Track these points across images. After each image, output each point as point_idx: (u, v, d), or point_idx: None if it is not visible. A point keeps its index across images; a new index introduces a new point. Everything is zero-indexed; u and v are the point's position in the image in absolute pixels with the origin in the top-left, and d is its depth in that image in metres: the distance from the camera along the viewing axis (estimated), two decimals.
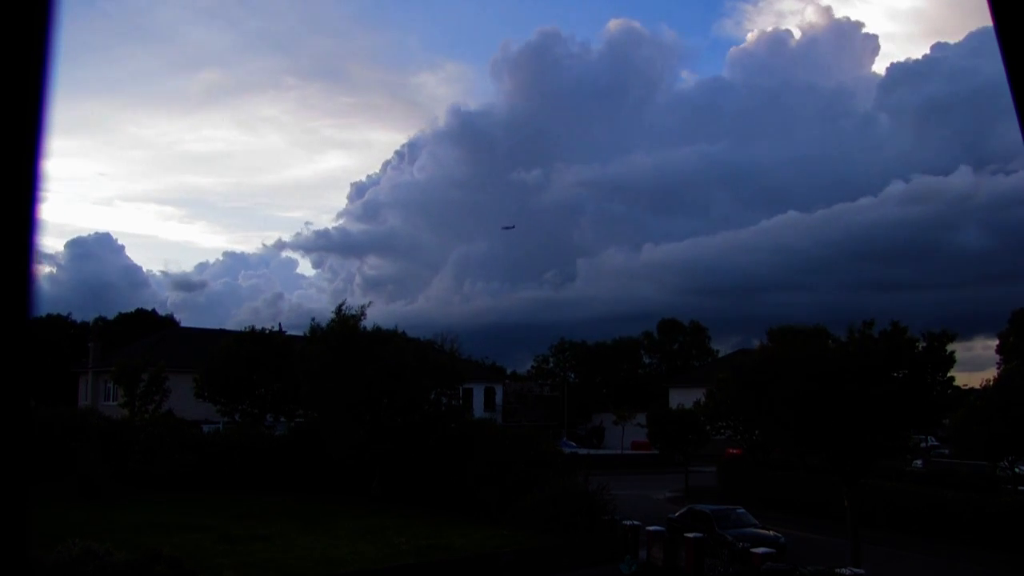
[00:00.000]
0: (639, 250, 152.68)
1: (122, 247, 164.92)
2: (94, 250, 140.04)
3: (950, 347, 32.53)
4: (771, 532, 31.50)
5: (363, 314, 42.44)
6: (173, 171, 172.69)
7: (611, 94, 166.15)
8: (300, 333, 49.41)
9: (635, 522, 30.97)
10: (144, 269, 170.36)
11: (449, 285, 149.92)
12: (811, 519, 39.44)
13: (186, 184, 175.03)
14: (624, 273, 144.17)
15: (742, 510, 34.43)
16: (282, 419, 49.14)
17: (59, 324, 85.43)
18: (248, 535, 29.70)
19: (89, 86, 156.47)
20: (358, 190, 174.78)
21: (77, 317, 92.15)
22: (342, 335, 41.24)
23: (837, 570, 24.26)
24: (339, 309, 42.47)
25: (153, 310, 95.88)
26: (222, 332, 61.50)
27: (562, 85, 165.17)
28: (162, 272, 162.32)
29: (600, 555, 29.78)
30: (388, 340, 41.80)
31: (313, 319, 44.97)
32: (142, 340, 70.14)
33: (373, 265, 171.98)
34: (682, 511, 35.01)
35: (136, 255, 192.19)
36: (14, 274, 1.25)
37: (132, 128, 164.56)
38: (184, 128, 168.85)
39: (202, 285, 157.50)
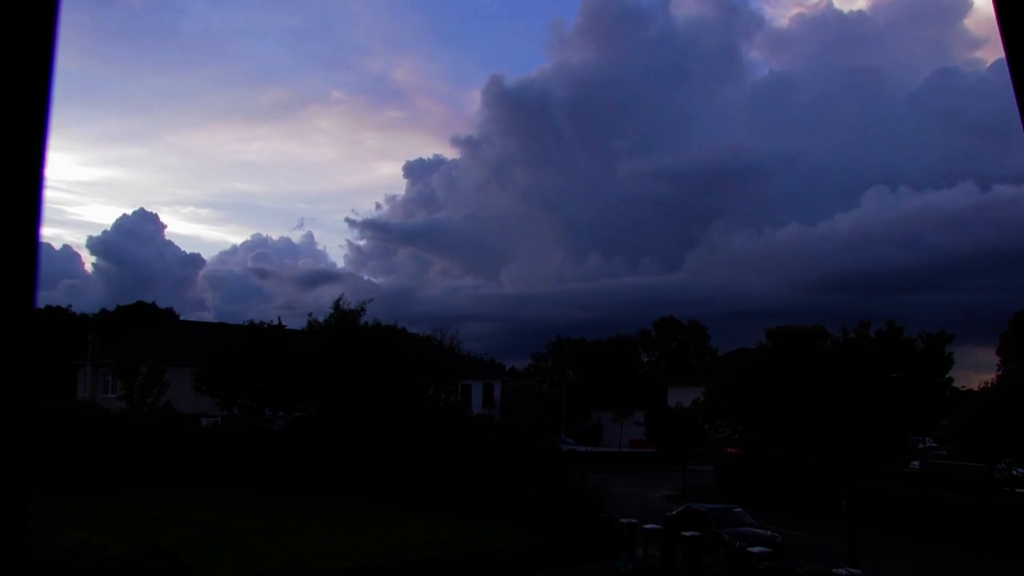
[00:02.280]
0: (758, 235, 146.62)
1: (168, 240, 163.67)
2: (141, 230, 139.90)
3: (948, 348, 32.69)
4: (768, 532, 31.50)
5: (363, 309, 42.56)
6: (221, 178, 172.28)
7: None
8: (299, 327, 49.44)
9: (632, 520, 30.94)
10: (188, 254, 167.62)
11: (537, 270, 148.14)
12: (809, 519, 39.45)
13: (234, 190, 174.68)
14: (736, 262, 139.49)
15: (739, 509, 34.36)
16: (280, 413, 49.09)
17: (58, 316, 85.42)
18: (245, 529, 29.71)
19: (141, 99, 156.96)
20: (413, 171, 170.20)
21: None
22: (340, 330, 41.29)
23: (834, 570, 24.29)
24: (337, 304, 42.56)
25: (153, 302, 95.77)
26: (221, 326, 61.51)
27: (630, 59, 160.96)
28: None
29: (597, 553, 29.80)
30: (387, 335, 41.82)
31: (310, 314, 45.05)
32: (141, 333, 70.13)
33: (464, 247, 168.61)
34: (679, 510, 34.95)
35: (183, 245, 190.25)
36: (15, 267, 1.25)
37: (183, 138, 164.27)
38: (235, 139, 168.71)
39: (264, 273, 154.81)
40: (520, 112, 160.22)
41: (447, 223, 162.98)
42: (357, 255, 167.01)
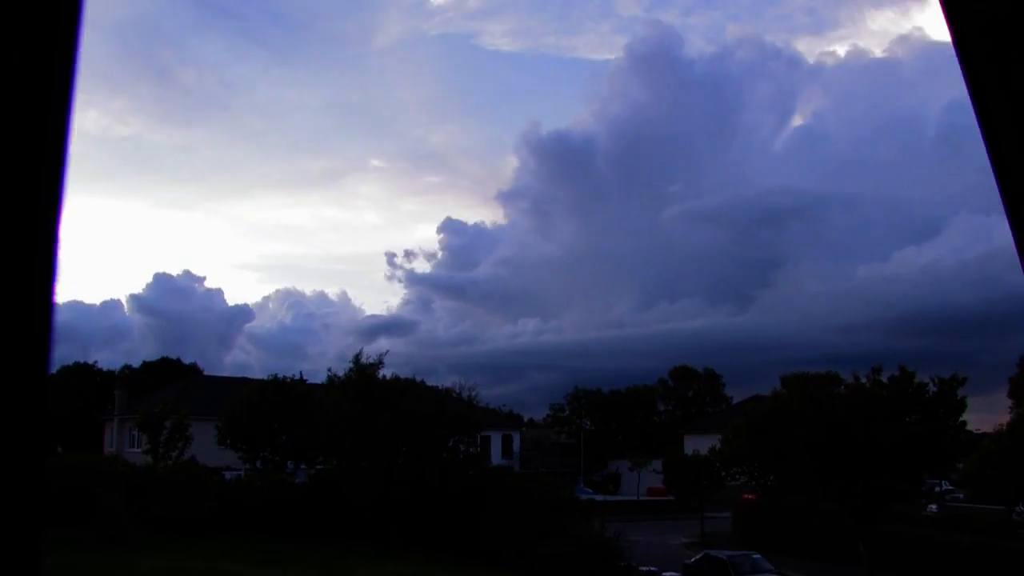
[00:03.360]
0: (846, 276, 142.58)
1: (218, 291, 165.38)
2: (183, 287, 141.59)
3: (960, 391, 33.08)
4: None
5: (381, 363, 43.20)
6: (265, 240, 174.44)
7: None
8: (319, 382, 50.11)
9: (652, 568, 31.21)
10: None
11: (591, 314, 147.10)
12: (827, 564, 39.18)
13: (279, 251, 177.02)
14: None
15: (758, 556, 34.33)
16: (303, 466, 49.46)
17: (85, 372, 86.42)
18: None
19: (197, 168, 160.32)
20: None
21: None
22: (360, 384, 41.88)
23: None
24: (357, 358, 43.19)
25: (178, 358, 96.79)
26: (244, 380, 62.19)
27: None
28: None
29: None
30: (406, 389, 42.42)
31: (329, 369, 45.73)
32: (167, 388, 70.98)
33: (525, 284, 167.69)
34: (698, 557, 35.05)
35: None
36: (32, 328, 1.22)
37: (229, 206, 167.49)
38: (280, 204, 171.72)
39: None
40: (558, 160, 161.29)
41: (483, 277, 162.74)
42: (405, 308, 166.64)
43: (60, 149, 1.23)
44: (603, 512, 41.95)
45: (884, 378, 33.15)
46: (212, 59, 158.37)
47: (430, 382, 48.81)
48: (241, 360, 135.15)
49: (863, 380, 32.77)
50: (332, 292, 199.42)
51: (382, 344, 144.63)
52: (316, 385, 50.60)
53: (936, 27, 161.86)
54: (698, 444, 62.89)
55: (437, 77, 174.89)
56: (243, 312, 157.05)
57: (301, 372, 52.85)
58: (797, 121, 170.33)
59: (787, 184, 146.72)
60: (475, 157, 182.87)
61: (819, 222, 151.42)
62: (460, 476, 41.00)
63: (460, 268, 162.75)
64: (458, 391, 45.04)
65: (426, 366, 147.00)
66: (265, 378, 51.98)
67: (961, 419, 33.30)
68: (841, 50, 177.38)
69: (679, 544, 47.27)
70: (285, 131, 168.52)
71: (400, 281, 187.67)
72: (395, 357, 71.75)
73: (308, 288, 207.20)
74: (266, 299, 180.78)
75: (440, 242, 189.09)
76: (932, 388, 32.51)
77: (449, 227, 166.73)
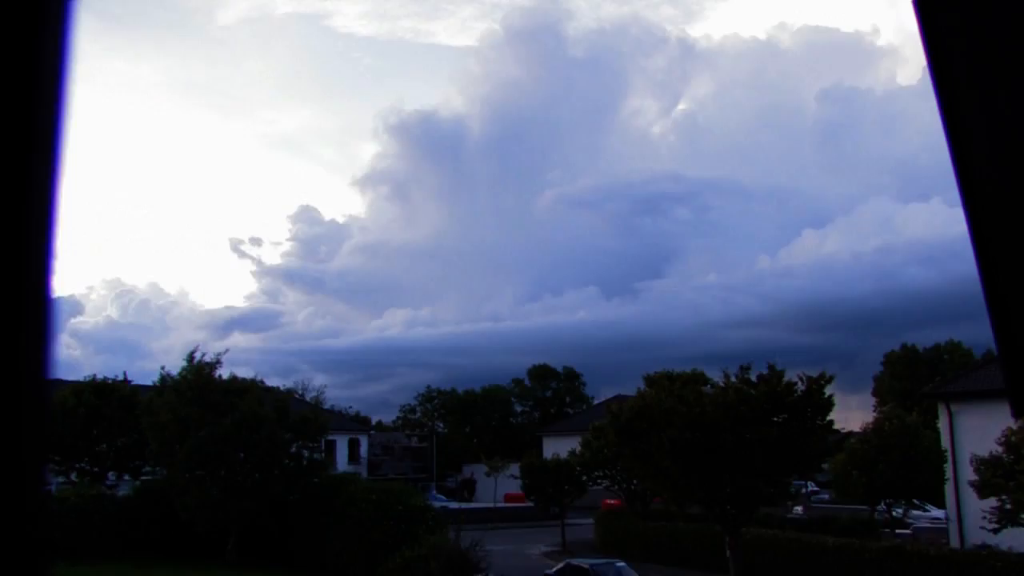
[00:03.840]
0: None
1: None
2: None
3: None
4: None
5: (218, 362, 39.94)
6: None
7: None
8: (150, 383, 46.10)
9: None
10: None
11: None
12: (694, 570, 38.63)
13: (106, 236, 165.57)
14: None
15: (622, 563, 33.68)
16: (126, 477, 45.66)
17: None
18: None
19: None
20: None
21: None
22: (195, 385, 38.63)
23: None
24: (191, 357, 39.78)
25: None
26: (57, 382, 57.17)
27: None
28: None
29: None
30: (245, 390, 39.43)
31: (162, 368, 42.02)
32: None
33: None
34: (559, 566, 34.07)
35: None
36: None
37: None
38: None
39: None
40: (421, 142, 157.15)
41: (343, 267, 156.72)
42: (258, 301, 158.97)
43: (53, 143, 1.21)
44: (458, 520, 40.00)
45: (753, 376, 31.99)
46: None
47: (294, 382, 45.62)
48: (66, 359, 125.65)
49: (732, 379, 31.48)
50: (170, 284, 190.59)
51: (238, 340, 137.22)
52: (144, 387, 46.58)
53: (818, 12, 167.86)
54: (558, 447, 61.44)
55: (289, 58, 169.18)
56: (68, 304, 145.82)
57: (125, 373, 48.59)
58: (681, 106, 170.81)
59: (672, 170, 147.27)
60: (330, 142, 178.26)
61: (707, 211, 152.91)
62: (304, 484, 39.04)
63: (316, 258, 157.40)
64: (301, 392, 42.12)
65: (286, 365, 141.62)
66: (83, 379, 47.45)
67: (828, 418, 32.43)
68: (720, 34, 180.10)
69: (539, 553, 46.03)
70: (121, 107, 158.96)
71: (253, 274, 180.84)
72: (250, 355, 67.61)
73: (141, 279, 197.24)
74: (90, 289, 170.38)
75: (293, 231, 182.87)
76: (801, 387, 31.44)
77: (304, 216, 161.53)
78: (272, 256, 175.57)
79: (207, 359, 40.00)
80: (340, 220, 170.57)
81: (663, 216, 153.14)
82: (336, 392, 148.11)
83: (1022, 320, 1.41)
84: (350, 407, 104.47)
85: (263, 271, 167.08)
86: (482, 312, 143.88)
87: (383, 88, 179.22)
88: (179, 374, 40.56)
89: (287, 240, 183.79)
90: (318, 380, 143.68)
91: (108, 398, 45.13)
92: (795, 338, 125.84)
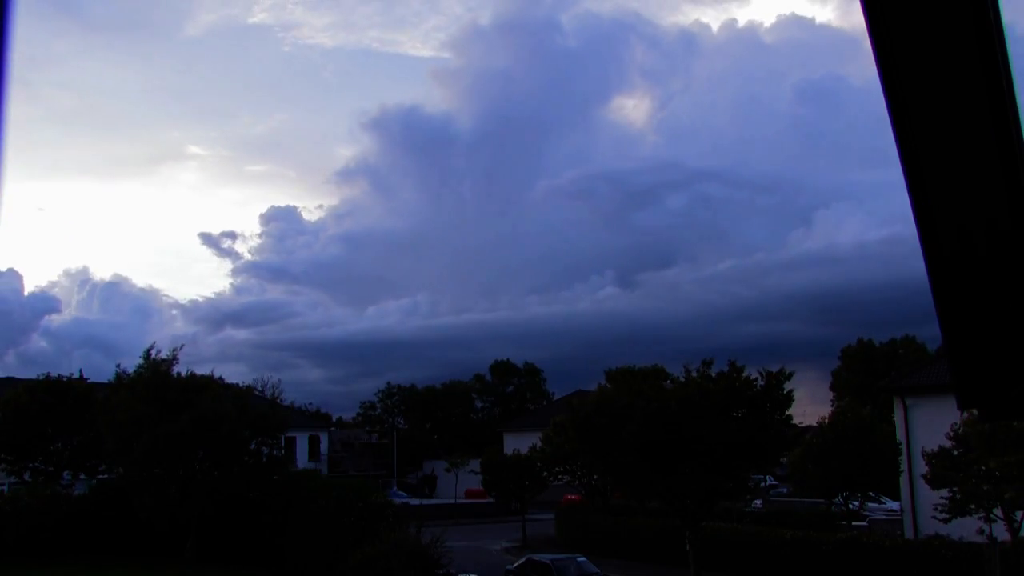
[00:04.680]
0: None
1: None
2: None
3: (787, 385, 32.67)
4: None
5: (175, 358, 39.41)
6: None
7: None
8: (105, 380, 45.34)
9: (472, 575, 29.77)
10: None
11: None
12: (654, 565, 38.76)
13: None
14: None
15: (583, 559, 33.65)
16: (82, 476, 44.91)
17: None
18: None
19: None
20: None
21: None
22: (152, 382, 38.11)
23: None
24: (148, 353, 39.24)
25: None
26: (9, 380, 56.22)
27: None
28: None
29: None
30: (203, 387, 38.93)
31: (118, 365, 41.33)
32: None
33: None
34: (520, 562, 33.97)
35: None
36: None
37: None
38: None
39: None
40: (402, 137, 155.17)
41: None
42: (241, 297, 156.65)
43: None
44: (419, 517, 39.93)
45: (713, 372, 32.26)
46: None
47: (288, 377, 45.11)
48: (45, 356, 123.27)
49: (693, 374, 31.73)
50: (152, 282, 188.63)
51: (232, 335, 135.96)
52: (100, 384, 45.84)
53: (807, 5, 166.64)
54: (518, 443, 61.40)
55: (257, 67, 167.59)
56: (44, 301, 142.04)
57: (81, 370, 47.75)
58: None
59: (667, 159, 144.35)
60: (301, 147, 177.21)
61: (703, 201, 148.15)
62: (264, 482, 38.65)
63: (289, 254, 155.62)
64: (260, 388, 41.75)
65: (277, 360, 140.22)
66: (36, 377, 46.60)
67: (787, 413, 32.86)
68: (716, 22, 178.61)
69: (500, 549, 45.81)
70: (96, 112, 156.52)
71: (230, 274, 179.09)
72: (243, 349, 66.75)
73: (135, 278, 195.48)
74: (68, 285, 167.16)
75: (265, 230, 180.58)
76: (760, 382, 31.78)
77: (277, 215, 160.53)
78: (247, 250, 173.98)
79: (163, 355, 39.57)
80: (317, 216, 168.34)
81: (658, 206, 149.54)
82: (329, 387, 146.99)
83: (966, 317, 1.45)
84: (310, 404, 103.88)
85: (241, 267, 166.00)
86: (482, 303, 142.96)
87: (353, 93, 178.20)
88: (135, 371, 39.93)
89: (258, 236, 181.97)
90: (313, 374, 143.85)
91: (63, 396, 44.29)
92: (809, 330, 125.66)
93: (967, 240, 1.43)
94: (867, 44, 1.33)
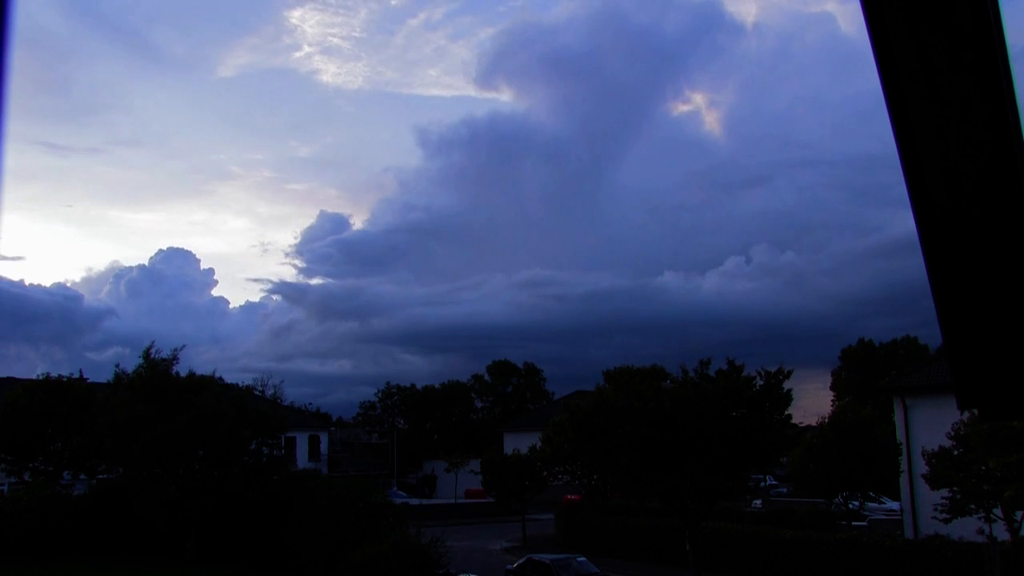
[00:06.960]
0: None
1: None
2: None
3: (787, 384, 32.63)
4: None
5: (175, 358, 39.37)
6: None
7: None
8: (105, 380, 45.32)
9: (472, 575, 29.74)
10: None
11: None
12: (653, 564, 38.79)
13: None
14: None
15: (583, 559, 33.53)
16: (82, 476, 44.87)
17: None
18: None
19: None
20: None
21: None
22: (151, 382, 38.07)
23: None
24: (147, 353, 39.19)
25: None
26: (9, 380, 56.17)
27: None
28: None
29: None
30: (203, 387, 38.88)
31: (118, 365, 41.32)
32: None
33: None
34: (520, 562, 33.78)
35: None
36: None
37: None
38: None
39: None
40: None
41: None
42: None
43: None
44: (419, 517, 39.90)
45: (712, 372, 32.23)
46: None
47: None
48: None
49: (691, 374, 31.68)
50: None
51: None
52: (99, 384, 45.83)
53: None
54: (518, 442, 61.41)
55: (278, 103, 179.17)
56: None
57: (81, 370, 47.66)
58: None
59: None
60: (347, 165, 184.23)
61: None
62: (263, 481, 38.46)
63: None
64: (260, 389, 41.71)
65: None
66: (36, 377, 46.57)
67: (787, 413, 32.77)
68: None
69: (500, 549, 45.82)
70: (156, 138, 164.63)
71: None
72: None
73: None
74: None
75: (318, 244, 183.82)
76: (759, 382, 31.72)
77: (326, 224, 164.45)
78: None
79: (163, 355, 39.53)
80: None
81: None
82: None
83: (966, 317, 1.45)
84: (310, 404, 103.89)
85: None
86: None
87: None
88: (135, 371, 39.89)
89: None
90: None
91: (62, 396, 44.24)
92: None
93: (967, 240, 1.43)
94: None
